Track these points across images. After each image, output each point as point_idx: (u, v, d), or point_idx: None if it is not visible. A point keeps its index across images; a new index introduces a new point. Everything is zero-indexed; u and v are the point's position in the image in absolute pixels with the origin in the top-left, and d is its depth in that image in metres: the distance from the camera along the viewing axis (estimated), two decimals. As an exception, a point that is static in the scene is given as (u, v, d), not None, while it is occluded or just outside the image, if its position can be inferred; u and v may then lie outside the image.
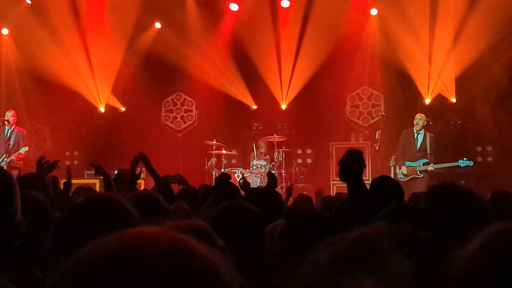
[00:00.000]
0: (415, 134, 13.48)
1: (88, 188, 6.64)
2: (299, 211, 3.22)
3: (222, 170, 14.83)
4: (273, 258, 2.85)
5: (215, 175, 14.90)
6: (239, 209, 3.25)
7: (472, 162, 13.38)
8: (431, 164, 13.16)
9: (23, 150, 13.31)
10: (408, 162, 13.39)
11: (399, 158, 13.64)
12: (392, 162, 13.83)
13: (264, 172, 14.53)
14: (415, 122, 13.48)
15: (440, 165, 13.25)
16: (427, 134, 13.49)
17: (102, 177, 6.49)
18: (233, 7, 16.46)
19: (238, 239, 2.89)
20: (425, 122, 13.61)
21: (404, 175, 13.32)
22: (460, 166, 13.31)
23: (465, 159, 13.20)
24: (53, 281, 1.12)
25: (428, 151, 13.28)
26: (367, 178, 14.64)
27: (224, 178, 6.36)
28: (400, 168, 13.44)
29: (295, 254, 2.78)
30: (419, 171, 13.21)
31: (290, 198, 8.74)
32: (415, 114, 14.48)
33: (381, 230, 1.47)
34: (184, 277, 1.06)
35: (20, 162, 13.41)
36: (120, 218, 2.89)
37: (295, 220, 3.02)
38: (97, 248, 1.10)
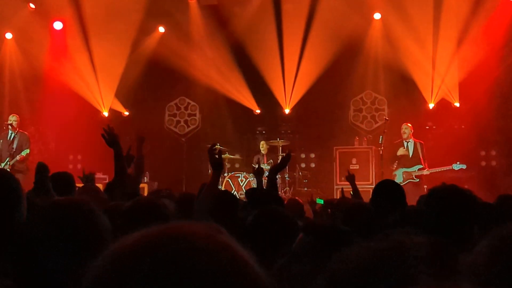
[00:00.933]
0: (405, 143, 13.91)
1: (94, 189, 6.60)
2: (317, 225, 3.16)
3: (225, 175, 14.83)
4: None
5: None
6: (277, 215, 3.21)
7: (465, 166, 13.58)
8: (426, 169, 13.53)
9: (24, 152, 13.32)
10: (403, 169, 13.73)
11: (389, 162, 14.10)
12: (395, 166, 13.84)
13: (266, 177, 14.48)
14: (402, 132, 13.99)
15: (435, 169, 13.56)
16: (417, 142, 13.88)
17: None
18: (237, 11, 16.46)
19: (275, 245, 2.86)
20: (412, 130, 13.97)
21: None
22: (454, 169, 13.47)
23: (458, 163, 13.50)
24: (92, 273, 1.10)
25: (421, 157, 13.67)
26: (371, 182, 14.64)
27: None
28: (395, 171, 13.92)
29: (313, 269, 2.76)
30: (415, 176, 13.58)
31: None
32: (418, 119, 14.56)
33: (417, 241, 1.43)
34: (228, 280, 1.05)
35: (23, 165, 13.40)
36: (162, 220, 2.92)
37: (313, 234, 2.96)
38: (131, 241, 1.09)
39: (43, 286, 1.98)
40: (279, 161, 6.60)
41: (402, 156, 13.88)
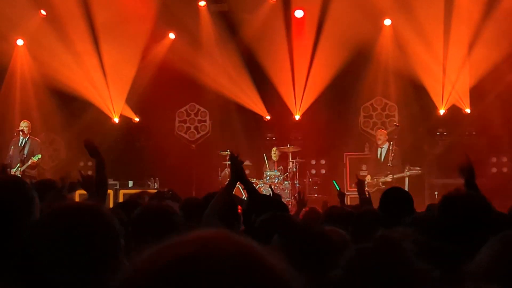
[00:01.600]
0: (379, 150, 14.15)
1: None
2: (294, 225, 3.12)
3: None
4: None
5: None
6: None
7: (420, 169, 13.91)
8: (390, 175, 13.72)
9: (36, 157, 13.32)
10: (374, 176, 13.98)
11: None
12: (406, 173, 13.78)
13: (277, 183, 14.49)
14: (376, 138, 14.36)
15: (397, 175, 13.74)
16: (392, 147, 14.00)
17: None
18: (247, 17, 16.47)
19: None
20: (387, 137, 14.24)
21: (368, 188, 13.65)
22: (406, 175, 13.81)
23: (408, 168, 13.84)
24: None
25: (390, 164, 13.83)
26: (382, 188, 14.60)
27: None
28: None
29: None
30: (381, 183, 13.72)
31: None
32: (429, 125, 14.54)
33: (405, 233, 1.44)
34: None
35: (34, 172, 13.44)
36: (171, 226, 2.93)
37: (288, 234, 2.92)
38: (161, 253, 1.06)
39: None
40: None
41: (372, 161, 14.29)
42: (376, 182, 13.79)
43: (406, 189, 13.31)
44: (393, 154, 13.84)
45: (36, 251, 2.02)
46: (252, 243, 1.10)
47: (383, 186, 13.32)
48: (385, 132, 14.35)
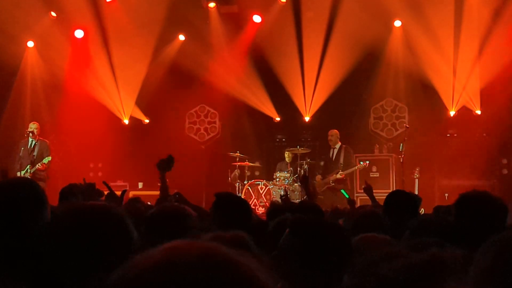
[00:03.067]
0: (331, 150, 14.37)
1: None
2: (305, 220, 3.12)
3: (245, 182, 14.83)
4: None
5: (239, 187, 14.90)
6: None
7: (368, 162, 14.14)
8: (339, 172, 13.84)
9: (46, 160, 13.37)
10: (324, 176, 14.21)
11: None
12: (416, 175, 13.74)
13: (287, 185, 14.47)
14: (328, 139, 14.41)
15: (346, 171, 13.94)
16: (343, 146, 14.26)
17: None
18: (257, 19, 16.48)
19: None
20: (339, 137, 14.37)
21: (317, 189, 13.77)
22: (360, 167, 14.06)
23: (361, 162, 14.02)
24: None
25: (341, 162, 14.00)
26: (391, 190, 14.55)
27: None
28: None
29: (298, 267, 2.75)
30: (331, 181, 13.95)
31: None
32: (439, 126, 14.44)
33: (455, 255, 1.41)
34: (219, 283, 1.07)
35: (44, 173, 13.49)
36: (185, 228, 2.95)
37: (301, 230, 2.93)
38: (134, 264, 1.13)
39: None
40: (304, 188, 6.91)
41: (325, 162, 14.47)
42: (326, 181, 14.04)
43: (416, 191, 13.28)
44: (344, 153, 14.09)
45: (48, 250, 2.02)
46: (219, 246, 1.15)
47: (333, 184, 13.85)
48: (337, 132, 14.45)
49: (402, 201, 5.29)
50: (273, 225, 3.80)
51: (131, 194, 14.05)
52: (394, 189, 14.48)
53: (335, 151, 14.23)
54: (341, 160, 13.95)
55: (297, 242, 2.84)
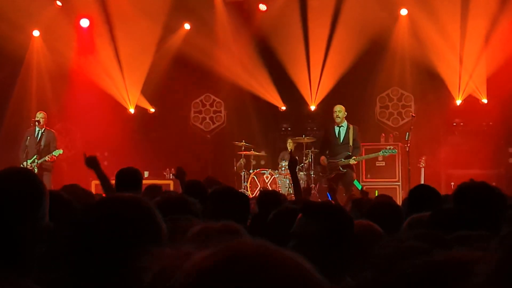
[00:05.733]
0: (336, 128, 12.97)
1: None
2: (316, 205, 3.19)
3: (251, 172, 14.83)
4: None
5: (244, 176, 14.90)
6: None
7: (396, 151, 12.89)
8: (353, 158, 12.59)
9: (57, 152, 13.37)
10: (329, 158, 12.84)
11: (320, 151, 13.20)
12: (422, 164, 13.69)
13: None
14: (334, 116, 12.94)
15: (362, 157, 12.78)
16: (350, 126, 12.95)
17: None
18: (262, 7, 16.43)
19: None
20: (345, 114, 13.03)
21: (322, 171, 12.89)
22: (384, 155, 12.90)
23: (389, 147, 12.94)
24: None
25: (351, 144, 12.69)
26: (397, 179, 14.56)
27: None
28: (318, 164, 13.02)
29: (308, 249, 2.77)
30: (341, 167, 12.58)
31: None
32: (446, 115, 14.35)
33: (480, 257, 1.39)
34: None
35: (51, 163, 13.51)
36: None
37: (312, 214, 2.98)
38: (194, 263, 1.14)
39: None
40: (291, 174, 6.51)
41: (330, 143, 12.96)
42: (334, 165, 12.72)
43: (422, 180, 13.25)
44: (352, 133, 12.79)
45: (78, 242, 2.02)
46: (268, 244, 1.17)
47: (344, 170, 12.61)
48: (344, 108, 13.10)
49: (427, 196, 5.12)
50: (272, 215, 3.79)
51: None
52: (400, 178, 14.47)
53: (342, 130, 12.97)
54: (350, 142, 12.70)
55: (313, 225, 2.90)
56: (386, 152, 12.71)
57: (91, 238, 1.98)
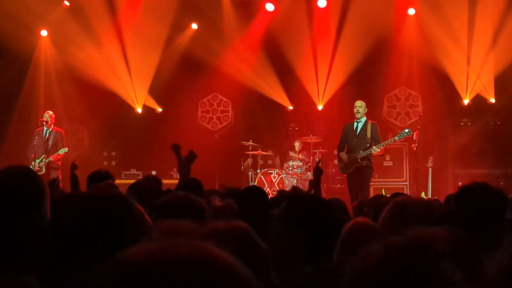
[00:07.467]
0: (355, 124, 12.62)
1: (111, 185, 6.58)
2: (300, 196, 3.34)
3: (258, 171, 14.84)
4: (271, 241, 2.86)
5: (251, 176, 14.90)
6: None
7: (411, 132, 12.23)
8: (373, 147, 12.11)
9: (62, 151, 13.46)
10: (348, 153, 12.49)
11: (338, 149, 12.84)
12: (430, 164, 13.63)
13: (300, 173, 14.46)
14: (355, 111, 12.61)
15: (381, 144, 12.20)
16: (369, 122, 12.56)
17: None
18: (269, 7, 16.43)
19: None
20: (366, 110, 12.66)
21: (343, 167, 12.62)
22: (400, 139, 12.57)
23: (406, 130, 12.33)
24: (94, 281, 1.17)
25: (368, 136, 12.25)
26: (404, 179, 14.53)
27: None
28: (339, 161, 12.73)
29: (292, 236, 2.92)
30: (360, 159, 12.17)
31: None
32: (453, 115, 14.28)
33: (438, 234, 1.39)
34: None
35: (58, 162, 13.57)
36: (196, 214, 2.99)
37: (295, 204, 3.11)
38: (129, 255, 1.16)
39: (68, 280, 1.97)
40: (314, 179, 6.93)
41: (349, 139, 12.55)
42: (353, 158, 12.28)
43: (429, 179, 13.20)
44: (371, 128, 12.38)
45: (57, 238, 2.01)
46: (205, 244, 1.18)
47: (363, 162, 12.17)
48: (365, 104, 12.68)
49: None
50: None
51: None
52: (408, 177, 14.44)
53: (360, 124, 12.52)
54: (368, 135, 12.24)
55: (289, 213, 3.05)
56: (401, 135, 12.38)
57: (68, 234, 1.97)
